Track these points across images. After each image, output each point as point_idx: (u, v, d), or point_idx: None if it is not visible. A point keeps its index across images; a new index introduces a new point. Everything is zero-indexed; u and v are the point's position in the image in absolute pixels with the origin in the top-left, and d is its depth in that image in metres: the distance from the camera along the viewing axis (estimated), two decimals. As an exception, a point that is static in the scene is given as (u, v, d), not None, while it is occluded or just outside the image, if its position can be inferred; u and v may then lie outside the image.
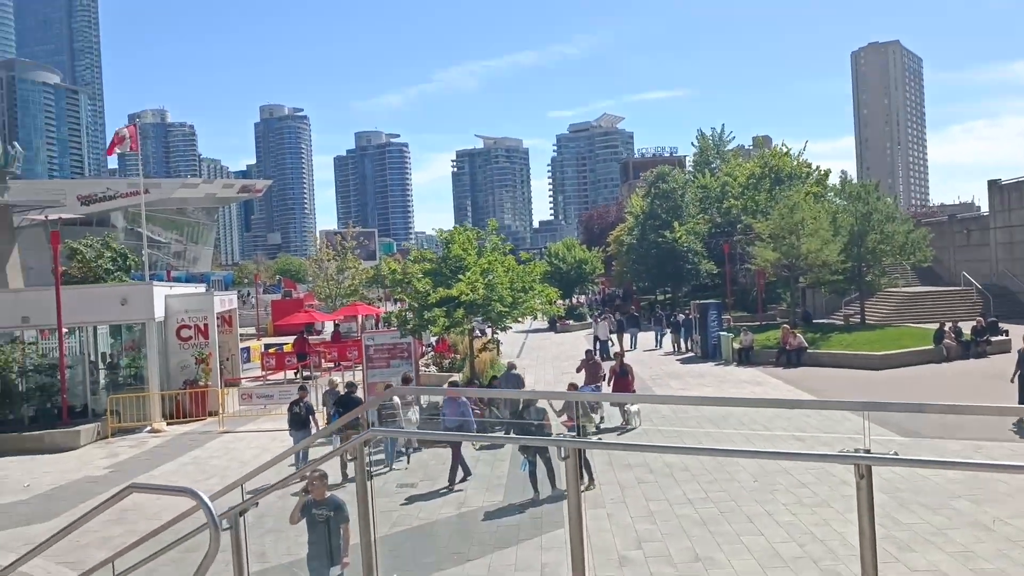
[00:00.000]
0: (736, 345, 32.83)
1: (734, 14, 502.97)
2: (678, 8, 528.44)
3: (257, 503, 6.53)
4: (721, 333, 34.46)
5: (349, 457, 5.04)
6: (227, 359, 32.74)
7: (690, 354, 36.00)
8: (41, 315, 23.12)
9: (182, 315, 26.23)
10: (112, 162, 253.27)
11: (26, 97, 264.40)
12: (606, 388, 21.75)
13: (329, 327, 48.82)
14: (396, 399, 16.23)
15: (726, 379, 28.38)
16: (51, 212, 57.75)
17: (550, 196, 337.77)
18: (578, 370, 23.01)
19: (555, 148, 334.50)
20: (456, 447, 15.93)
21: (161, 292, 25.85)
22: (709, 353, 34.03)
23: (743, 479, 14.75)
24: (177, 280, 59.02)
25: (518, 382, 20.97)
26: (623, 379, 20.77)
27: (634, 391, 21.27)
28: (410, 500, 14.88)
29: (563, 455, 4.16)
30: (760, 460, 15.01)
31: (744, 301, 50.56)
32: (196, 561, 4.19)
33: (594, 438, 17.71)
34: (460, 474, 15.73)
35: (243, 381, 32.34)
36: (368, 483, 5.16)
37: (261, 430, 22.82)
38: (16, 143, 70.05)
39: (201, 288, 34.08)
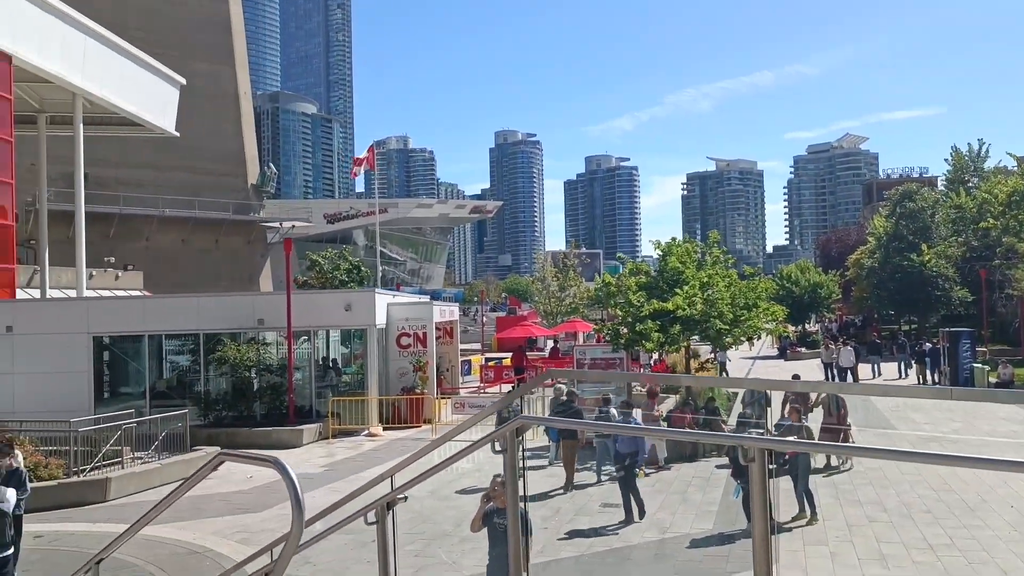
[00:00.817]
0: (992, 379, 29.26)
1: (988, 23, 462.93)
2: (920, 22, 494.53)
3: (406, 497, 5.94)
4: (975, 365, 30.88)
5: (498, 448, 4.34)
6: (447, 369, 33.30)
7: (937, 387, 32.53)
8: (274, 318, 24.36)
9: (402, 323, 26.82)
10: (359, 185, 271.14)
11: (287, 126, 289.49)
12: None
13: (550, 344, 48.86)
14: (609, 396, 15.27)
15: (978, 415, 25.17)
16: (299, 229, 61.88)
17: (785, 220, 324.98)
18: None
19: (792, 170, 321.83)
20: (628, 480, 14.15)
21: (383, 300, 26.57)
22: (960, 386, 30.56)
23: (997, 526, 12.63)
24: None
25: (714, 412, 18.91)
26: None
27: (848, 426, 18.31)
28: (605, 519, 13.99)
29: (748, 457, 3.18)
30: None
31: (1004, 333, 45.36)
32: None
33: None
34: (635, 510, 13.89)
35: (460, 391, 32.75)
36: (519, 480, 4.45)
37: (471, 440, 22.74)
38: (271, 164, 75.99)
39: (424, 298, 34.98)
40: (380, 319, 25.60)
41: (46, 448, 17.51)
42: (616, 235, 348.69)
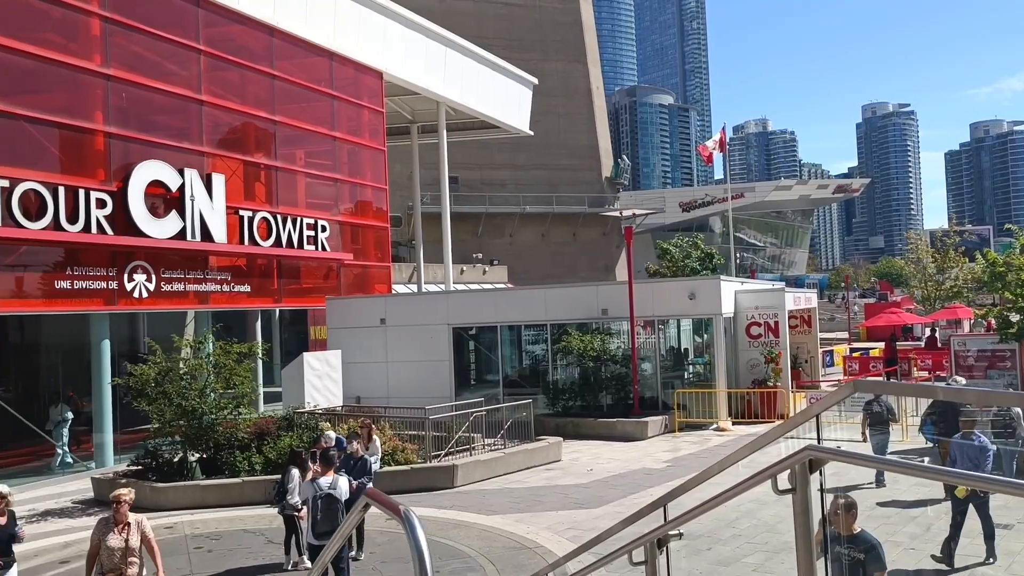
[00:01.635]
0: None
1: None
2: None
3: (680, 533, 4.88)
4: None
5: (787, 486, 3.12)
6: (805, 361, 30.97)
7: None
8: (618, 307, 24.07)
9: (752, 312, 25.24)
10: (717, 172, 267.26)
11: (644, 118, 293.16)
12: None
13: (927, 332, 43.91)
14: (1018, 410, 12.34)
15: None
16: (654, 219, 61.77)
17: None
18: None
19: None
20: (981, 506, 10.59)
21: (730, 287, 25.19)
22: None
23: None
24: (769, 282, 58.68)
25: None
26: None
27: None
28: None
29: None
30: None
31: None
32: None
33: None
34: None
35: (822, 385, 30.27)
36: (815, 533, 3.31)
37: (832, 439, 20.69)
38: (624, 157, 76.68)
39: (778, 285, 32.84)
40: (727, 307, 24.27)
41: (407, 432, 18.64)
42: (1011, 209, 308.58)
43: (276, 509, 11.91)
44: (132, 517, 8.88)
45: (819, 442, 3.82)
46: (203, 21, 24.09)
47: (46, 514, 16.13)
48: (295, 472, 11.47)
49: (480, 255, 57.05)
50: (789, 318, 26.41)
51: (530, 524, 13.78)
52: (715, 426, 23.19)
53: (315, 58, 29.03)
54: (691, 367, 26.24)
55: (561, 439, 20.12)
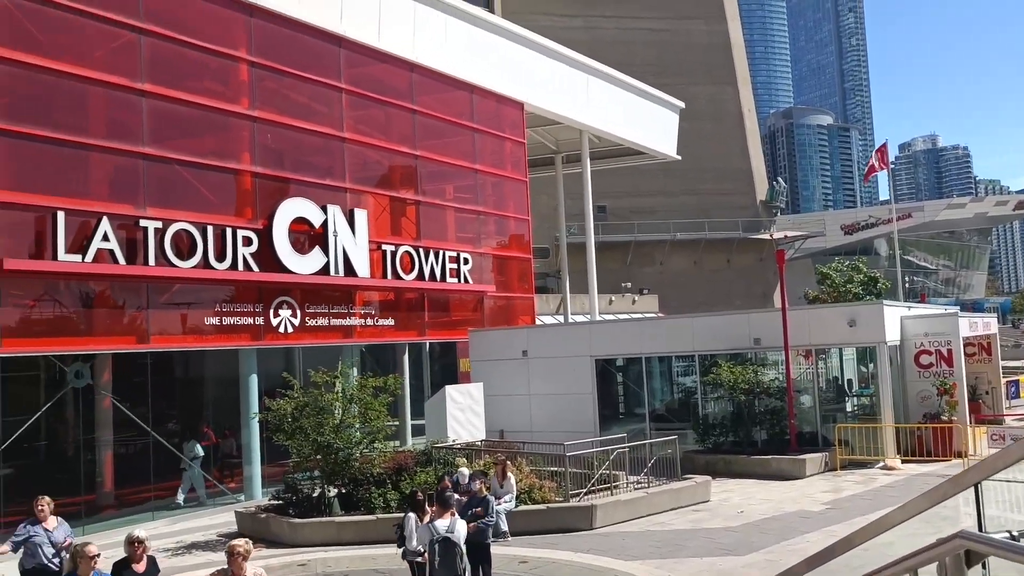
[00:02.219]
0: None
1: None
2: None
3: None
4: None
5: None
6: (986, 392, 28.30)
7: None
8: (771, 337, 22.62)
9: (921, 339, 23.18)
10: (882, 193, 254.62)
11: (802, 140, 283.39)
12: None
13: None
14: None
15: None
16: (814, 243, 59.05)
17: None
18: None
19: None
20: None
21: (895, 313, 23.25)
22: None
23: None
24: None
25: None
26: None
27: None
28: None
29: None
30: None
31: None
32: None
33: None
34: None
35: (1007, 419, 27.50)
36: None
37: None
38: (780, 179, 73.98)
39: (951, 309, 30.22)
40: (892, 335, 22.36)
41: (546, 469, 17.95)
42: None
43: (400, 553, 11.49)
44: (250, 569, 8.51)
45: (980, 524, 2.85)
46: (344, 61, 24.59)
47: (192, 547, 16.40)
48: (412, 517, 11.01)
49: (629, 284, 55.91)
50: (965, 345, 24.15)
51: (670, 571, 12.78)
52: (881, 464, 21.28)
53: (455, 92, 29.18)
54: (854, 399, 24.35)
55: (710, 478, 18.89)
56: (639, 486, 17.69)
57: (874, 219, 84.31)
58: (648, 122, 40.60)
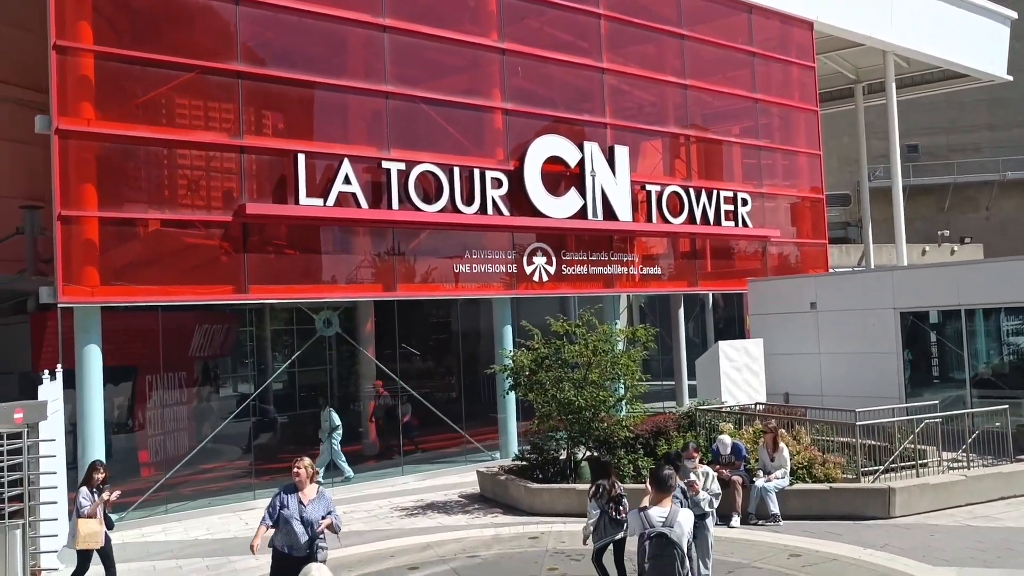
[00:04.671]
0: None
1: None
2: None
3: None
4: None
5: None
6: None
7: None
8: None
9: None
10: None
11: None
12: None
13: None
14: None
15: None
16: None
17: None
18: None
19: None
20: None
21: None
22: None
23: None
24: None
25: None
26: None
27: None
28: None
29: None
30: None
31: None
32: None
33: None
34: None
35: None
36: None
37: None
38: None
39: None
40: None
41: (835, 440, 14.88)
42: None
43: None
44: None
45: None
46: (602, -16, 22.31)
47: (429, 507, 15.29)
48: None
49: (947, 232, 48.90)
50: None
51: (1003, 587, 9.49)
52: None
53: (730, 13, 25.90)
54: None
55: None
56: (956, 465, 14.10)
57: None
58: (970, 37, 34.34)
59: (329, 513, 8.19)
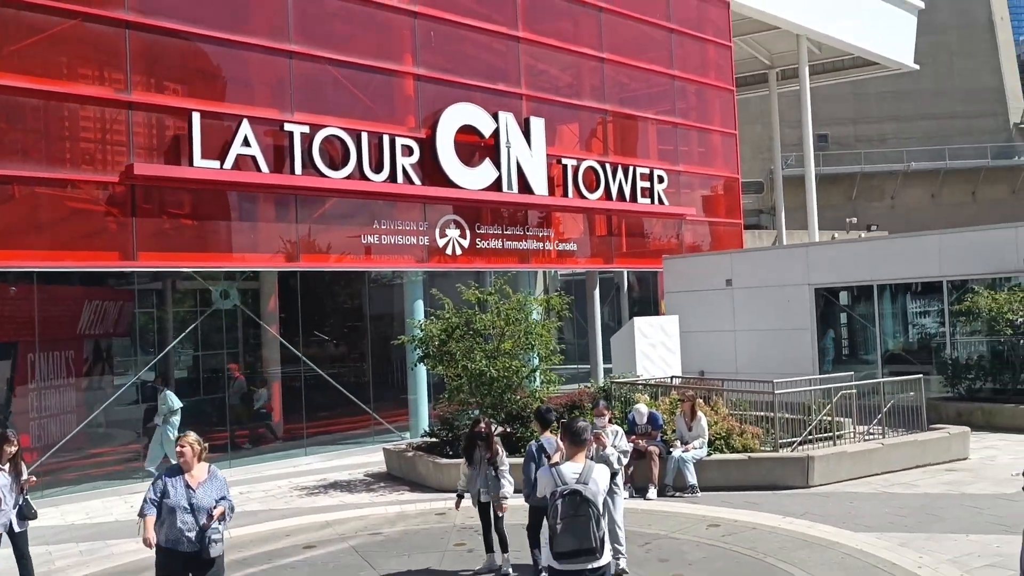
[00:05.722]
0: None
1: None
2: None
3: None
4: None
5: None
6: None
7: None
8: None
9: None
10: None
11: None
12: None
13: None
14: None
15: None
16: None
17: None
18: None
19: None
20: None
21: None
22: None
23: None
24: None
25: None
26: None
27: None
28: None
29: None
30: None
31: None
32: None
33: None
34: None
35: None
36: None
37: None
38: (1039, 97, 64.03)
39: None
40: None
41: (751, 414, 14.56)
42: None
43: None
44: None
45: None
46: (519, -50, 21.63)
47: (332, 486, 14.42)
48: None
49: (854, 219, 49.92)
50: None
51: (923, 552, 9.17)
52: None
53: (649, -10, 25.59)
54: None
55: (967, 429, 14.70)
56: (871, 437, 13.92)
57: None
58: (880, 25, 34.92)
59: (223, 499, 6.98)
